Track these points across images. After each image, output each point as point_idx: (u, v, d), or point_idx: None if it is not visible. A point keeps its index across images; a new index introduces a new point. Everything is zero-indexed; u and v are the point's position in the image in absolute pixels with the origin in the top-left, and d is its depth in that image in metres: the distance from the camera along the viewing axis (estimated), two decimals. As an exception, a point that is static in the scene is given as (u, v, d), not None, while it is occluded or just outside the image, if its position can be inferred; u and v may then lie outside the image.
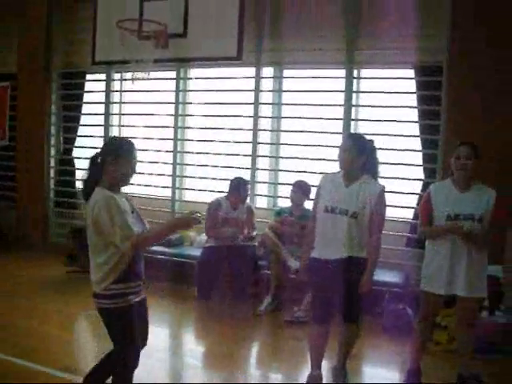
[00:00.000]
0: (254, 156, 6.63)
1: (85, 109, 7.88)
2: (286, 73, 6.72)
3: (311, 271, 3.86)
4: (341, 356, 3.95)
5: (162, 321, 5.33)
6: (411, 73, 5.93)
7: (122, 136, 3.33)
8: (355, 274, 3.69)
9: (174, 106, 7.07)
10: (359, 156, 3.73)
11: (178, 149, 7.13)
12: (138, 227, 3.01)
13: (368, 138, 3.99)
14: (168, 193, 7.17)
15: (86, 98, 7.85)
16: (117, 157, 3.01)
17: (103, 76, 7.57)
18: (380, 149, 5.87)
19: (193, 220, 3.06)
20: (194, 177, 7.15)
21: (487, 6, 5.45)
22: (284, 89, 6.70)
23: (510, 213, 3.91)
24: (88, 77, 7.78)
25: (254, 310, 5.56)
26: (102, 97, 7.62)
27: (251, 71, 6.61)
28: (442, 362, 4.41)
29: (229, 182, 6.07)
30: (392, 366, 4.60)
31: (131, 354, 3.08)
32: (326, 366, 3.98)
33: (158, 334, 4.84)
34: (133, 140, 3.18)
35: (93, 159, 3.10)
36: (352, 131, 6.05)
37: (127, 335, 3.05)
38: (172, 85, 7.10)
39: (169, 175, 7.16)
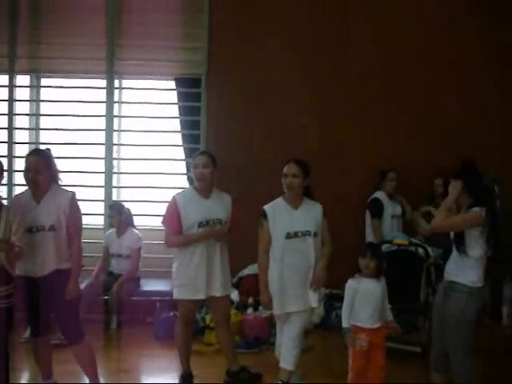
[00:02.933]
0: (11, 171, 6.10)
1: None
2: (44, 81, 6.33)
3: (21, 290, 3.69)
4: (89, 376, 3.87)
5: None
6: (172, 84, 6.08)
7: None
8: (64, 287, 3.64)
9: None
10: (48, 168, 3.67)
11: None
12: None
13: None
14: None
15: None
16: None
17: None
18: (146, 159, 6.04)
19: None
20: None
21: (242, 23, 5.93)
22: (42, 98, 6.29)
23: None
24: None
25: (17, 338, 5.09)
26: None
27: (4, 79, 6.09)
28: (214, 362, 4.54)
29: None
30: (168, 373, 4.53)
31: None
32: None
33: None
34: None
35: None
36: (115, 141, 6.01)
37: None
38: None
39: None
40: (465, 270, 3.42)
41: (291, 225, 3.79)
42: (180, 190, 4.16)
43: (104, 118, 5.98)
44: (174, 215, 3.84)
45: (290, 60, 6.03)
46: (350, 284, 3.81)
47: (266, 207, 3.88)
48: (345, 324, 3.72)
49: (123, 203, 5.54)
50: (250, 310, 5.17)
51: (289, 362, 3.80)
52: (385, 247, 4.81)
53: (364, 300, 3.77)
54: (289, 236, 3.77)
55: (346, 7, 6.07)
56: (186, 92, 6.03)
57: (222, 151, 5.91)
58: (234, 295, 5.52)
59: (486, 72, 6.02)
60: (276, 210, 3.85)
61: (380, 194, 5.59)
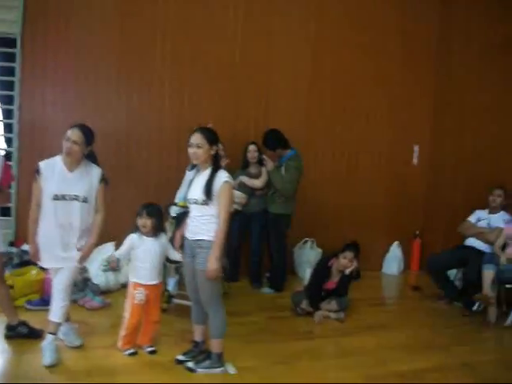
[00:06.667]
0: None
1: None
2: None
3: None
4: None
5: None
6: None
7: None
8: None
9: None
10: None
11: None
12: None
13: None
14: None
15: None
16: None
17: None
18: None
19: None
20: None
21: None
22: None
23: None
24: None
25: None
26: None
27: None
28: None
29: None
30: None
31: None
32: None
33: None
34: None
35: None
36: None
37: None
38: None
39: None
40: (208, 227, 3.71)
41: (60, 187, 3.89)
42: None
43: None
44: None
45: (112, 19, 6.07)
46: (132, 238, 4.16)
47: (41, 163, 3.93)
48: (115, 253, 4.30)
49: None
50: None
51: (56, 314, 3.96)
52: (174, 209, 5.11)
53: (143, 257, 4.11)
54: (56, 198, 3.88)
55: None
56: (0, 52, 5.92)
57: (37, 114, 5.93)
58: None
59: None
60: (50, 169, 3.92)
61: None
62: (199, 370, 3.90)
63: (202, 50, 6.36)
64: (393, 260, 7.29)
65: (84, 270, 5.46)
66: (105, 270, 5.50)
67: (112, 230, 5.33)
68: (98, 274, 5.48)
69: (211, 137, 3.76)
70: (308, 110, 6.89)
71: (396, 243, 7.36)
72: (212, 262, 3.63)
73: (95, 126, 5.87)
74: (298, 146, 6.26)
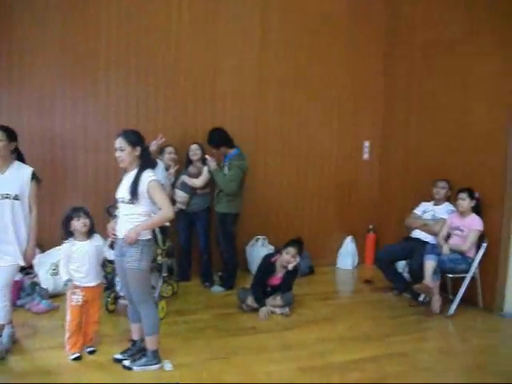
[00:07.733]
0: None
1: None
2: None
3: None
4: None
5: None
6: None
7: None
8: None
9: None
10: None
11: None
12: None
13: None
14: None
15: None
16: None
17: None
18: None
19: None
20: None
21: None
22: None
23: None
24: None
25: None
26: None
27: None
28: None
29: None
30: None
31: None
32: None
33: None
34: None
35: None
36: None
37: None
38: None
39: None
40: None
41: None
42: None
43: None
44: None
45: (55, 25, 6.06)
46: (65, 247, 4.20)
47: None
48: (64, 277, 4.15)
49: None
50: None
51: None
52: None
53: (78, 261, 4.17)
54: None
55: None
56: None
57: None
58: None
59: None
60: None
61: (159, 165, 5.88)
62: (135, 367, 3.99)
63: (147, 55, 6.41)
64: (347, 255, 7.42)
65: (32, 274, 5.55)
66: (53, 274, 5.55)
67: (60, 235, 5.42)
68: (46, 278, 5.52)
69: (133, 139, 3.85)
70: (256, 110, 6.98)
71: (349, 238, 7.49)
72: (134, 230, 3.74)
73: (43, 130, 6.06)
74: (247, 146, 6.39)
